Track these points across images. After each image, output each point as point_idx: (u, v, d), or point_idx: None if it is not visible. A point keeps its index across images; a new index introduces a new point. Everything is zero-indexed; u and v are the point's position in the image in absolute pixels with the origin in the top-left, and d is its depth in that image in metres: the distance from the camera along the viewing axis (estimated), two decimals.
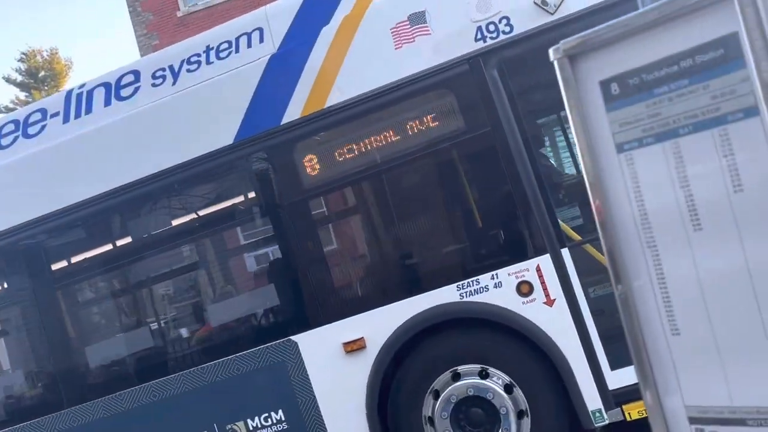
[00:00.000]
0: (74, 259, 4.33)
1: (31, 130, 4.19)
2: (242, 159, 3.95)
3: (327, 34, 3.79)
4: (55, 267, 4.31)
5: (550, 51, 1.47)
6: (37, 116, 4.21)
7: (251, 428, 3.79)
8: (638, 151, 1.33)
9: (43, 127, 4.15)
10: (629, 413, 3.43)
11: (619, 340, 3.24)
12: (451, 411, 3.58)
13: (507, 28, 3.54)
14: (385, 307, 3.67)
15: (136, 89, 4.03)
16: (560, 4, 3.46)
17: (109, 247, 4.27)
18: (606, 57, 1.34)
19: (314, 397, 3.72)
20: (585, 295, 3.50)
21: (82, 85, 4.15)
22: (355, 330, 3.66)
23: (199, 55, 3.98)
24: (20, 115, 4.41)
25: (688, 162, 1.26)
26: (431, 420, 3.60)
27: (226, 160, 3.95)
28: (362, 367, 3.64)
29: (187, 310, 4.38)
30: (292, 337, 3.77)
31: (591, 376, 3.46)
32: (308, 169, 3.79)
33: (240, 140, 3.84)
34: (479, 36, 3.57)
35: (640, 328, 1.38)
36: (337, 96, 3.74)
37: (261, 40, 3.91)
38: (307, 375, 3.73)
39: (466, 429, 3.60)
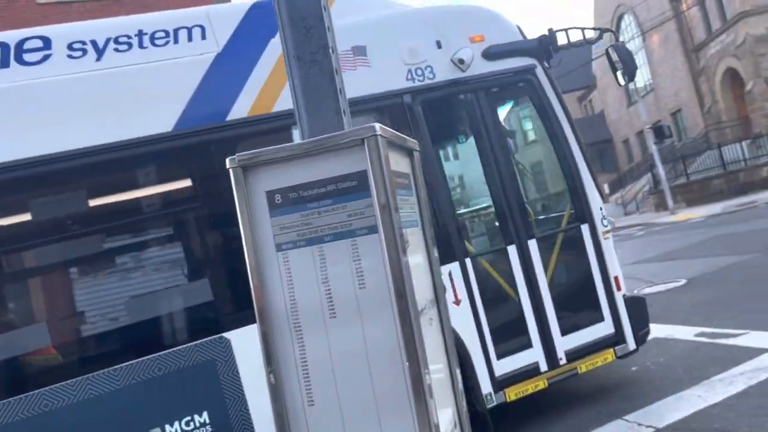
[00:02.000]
0: None
1: None
2: (179, 148, 3.88)
3: (275, 48, 4.03)
4: None
5: (227, 160, 1.76)
6: None
7: None
8: (293, 251, 1.68)
9: None
10: (509, 395, 4.28)
11: (502, 335, 4.24)
12: None
13: (431, 75, 4.45)
14: None
15: (46, 57, 3.76)
16: (470, 65, 4.51)
17: None
18: (273, 172, 1.69)
19: (244, 395, 3.65)
20: (480, 298, 4.28)
21: None
22: None
23: (129, 36, 3.93)
24: None
25: (329, 263, 1.63)
26: None
27: (161, 148, 3.83)
28: None
29: (103, 304, 3.95)
30: (225, 335, 3.70)
31: (484, 364, 4.24)
32: None
33: (180, 129, 3.84)
34: (409, 76, 4.41)
35: (284, 400, 1.67)
36: (282, 105, 3.97)
37: (203, 38, 4.05)
38: (238, 373, 3.67)
39: None
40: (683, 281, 8.38)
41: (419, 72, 4.45)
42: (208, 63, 3.98)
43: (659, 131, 20.46)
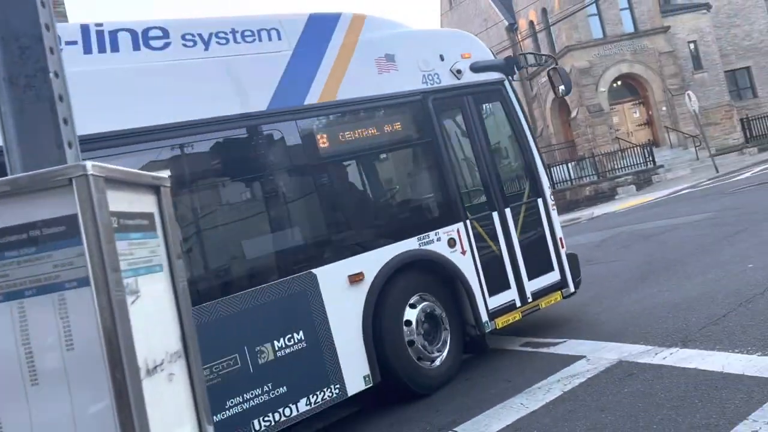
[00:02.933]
0: None
1: None
2: (272, 124, 4.97)
3: (332, 50, 5.36)
4: None
5: None
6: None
7: (276, 348, 4.49)
8: None
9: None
10: (498, 323, 5.66)
11: (491, 279, 5.78)
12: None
13: (438, 80, 5.83)
14: (376, 250, 5.16)
15: (167, 44, 4.62)
16: (463, 75, 5.97)
17: None
18: None
19: (327, 319, 4.77)
20: (477, 251, 5.71)
21: (100, 24, 4.41)
22: (356, 266, 5.01)
23: (226, 33, 4.93)
24: None
25: (30, 321, 1.40)
26: (408, 322, 5.26)
27: (256, 123, 4.90)
28: (361, 293, 4.98)
29: (223, 245, 4.88)
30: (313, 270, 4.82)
31: (482, 300, 5.63)
32: (322, 142, 5.20)
33: (272, 109, 4.92)
34: (423, 80, 5.75)
35: None
36: (342, 95, 5.28)
37: (279, 38, 5.14)
38: (323, 301, 4.78)
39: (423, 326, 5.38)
40: None
41: (430, 77, 5.82)
42: (286, 58, 5.09)
43: None
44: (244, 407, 4.28)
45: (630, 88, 28.93)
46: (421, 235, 5.42)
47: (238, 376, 4.28)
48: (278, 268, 4.77)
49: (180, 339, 1.62)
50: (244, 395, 4.30)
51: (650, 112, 28.77)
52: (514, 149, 6.66)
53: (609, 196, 24.30)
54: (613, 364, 4.74)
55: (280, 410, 4.42)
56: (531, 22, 30.70)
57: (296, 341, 4.58)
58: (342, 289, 4.91)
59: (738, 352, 4.26)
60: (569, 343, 5.62)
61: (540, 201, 6.34)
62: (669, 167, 25.35)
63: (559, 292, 6.25)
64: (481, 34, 36.14)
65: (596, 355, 5.02)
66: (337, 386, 4.70)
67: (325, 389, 4.63)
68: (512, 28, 32.94)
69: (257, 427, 4.30)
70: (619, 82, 28.43)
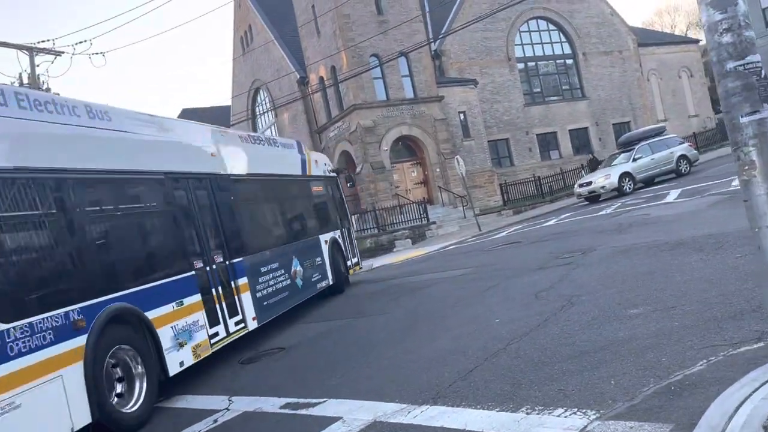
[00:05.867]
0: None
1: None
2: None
3: None
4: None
5: None
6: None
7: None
8: None
9: None
10: (351, 272, 15.31)
11: (349, 256, 15.79)
12: None
13: (324, 172, 14.94)
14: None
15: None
16: (327, 171, 15.17)
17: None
18: None
19: (324, 256, 13.38)
20: (347, 244, 15.67)
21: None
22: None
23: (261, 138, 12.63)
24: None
25: None
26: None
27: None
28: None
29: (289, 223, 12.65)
30: (318, 236, 13.61)
31: (348, 261, 15.28)
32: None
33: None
34: (321, 172, 14.83)
35: None
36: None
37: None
38: (322, 249, 13.55)
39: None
40: (285, 348, 8.66)
41: (324, 171, 14.82)
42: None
43: None
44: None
45: (409, 149, 31.11)
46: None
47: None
48: (305, 233, 12.69)
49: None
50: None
51: (426, 173, 31.14)
52: (341, 212, 15.55)
53: (388, 248, 25.49)
54: (368, 424, 4.65)
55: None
56: (321, 78, 31.72)
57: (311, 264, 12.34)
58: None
59: (480, 408, 4.42)
60: (329, 403, 5.45)
61: (339, 232, 14.84)
62: (440, 224, 27.46)
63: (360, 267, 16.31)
64: (273, 83, 36.42)
65: (352, 416, 4.91)
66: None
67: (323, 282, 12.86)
68: (303, 81, 33.72)
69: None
70: (400, 143, 30.41)
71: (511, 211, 29.59)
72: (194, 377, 8.00)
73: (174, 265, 7.62)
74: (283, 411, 5.60)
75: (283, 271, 10.81)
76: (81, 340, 5.70)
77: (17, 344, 5.06)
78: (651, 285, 6.91)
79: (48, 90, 25.65)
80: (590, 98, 40.61)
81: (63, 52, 25.85)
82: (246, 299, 9.17)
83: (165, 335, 7.00)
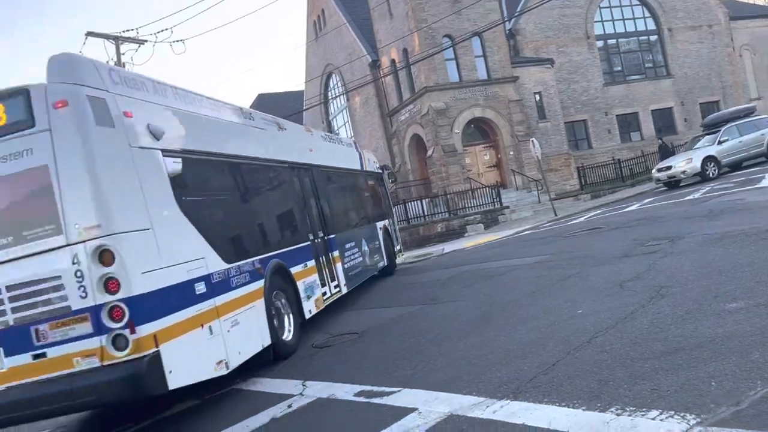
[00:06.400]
0: None
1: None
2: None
3: None
4: None
5: None
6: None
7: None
8: None
9: None
10: (399, 256, 18.23)
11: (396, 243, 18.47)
12: None
13: (374, 168, 17.23)
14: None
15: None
16: (376, 167, 17.56)
17: None
18: None
19: (380, 241, 15.59)
20: (396, 233, 18.72)
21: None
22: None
23: (333, 137, 14.77)
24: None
25: None
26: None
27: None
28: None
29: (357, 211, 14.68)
30: (375, 223, 15.82)
31: (397, 246, 18.50)
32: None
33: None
34: (374, 168, 17.30)
35: None
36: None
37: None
38: (379, 235, 15.81)
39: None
40: (358, 333, 8.62)
41: (374, 167, 16.86)
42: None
43: None
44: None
45: (482, 131, 30.49)
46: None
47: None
48: (367, 219, 14.62)
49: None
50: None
51: (499, 156, 30.45)
52: (385, 203, 17.41)
53: (459, 233, 25.14)
54: (444, 417, 4.48)
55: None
56: (393, 60, 31.49)
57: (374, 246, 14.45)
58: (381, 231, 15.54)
59: (564, 406, 4.16)
60: (403, 392, 5.32)
61: (388, 222, 16.84)
62: (514, 208, 26.82)
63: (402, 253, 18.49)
64: (345, 67, 36.55)
65: (428, 408, 4.75)
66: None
67: (380, 263, 14.88)
68: (375, 65, 33.59)
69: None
70: (472, 125, 29.85)
71: (589, 195, 28.54)
72: (269, 359, 8.08)
73: (300, 235, 9.70)
74: (356, 399, 5.51)
75: (357, 249, 12.80)
76: (261, 283, 7.61)
77: (233, 280, 6.92)
78: (751, 277, 6.36)
79: None
80: (675, 76, 38.45)
81: (146, 41, 26.75)
82: (339, 268, 11.21)
83: (300, 287, 8.99)
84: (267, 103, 42.19)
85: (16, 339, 5.25)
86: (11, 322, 5.28)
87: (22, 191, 5.36)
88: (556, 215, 22.74)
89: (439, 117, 28.44)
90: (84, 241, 5.16)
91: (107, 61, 26.71)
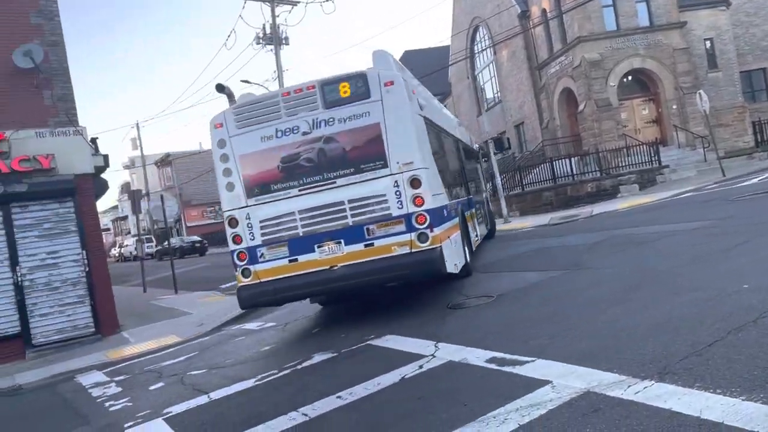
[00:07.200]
0: None
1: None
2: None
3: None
4: None
5: None
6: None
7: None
8: None
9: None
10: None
11: (477, 229, 16.86)
12: None
13: (475, 147, 20.53)
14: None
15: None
16: (478, 144, 21.64)
17: None
18: None
19: (487, 207, 18.70)
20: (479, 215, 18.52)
21: None
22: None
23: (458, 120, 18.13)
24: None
25: None
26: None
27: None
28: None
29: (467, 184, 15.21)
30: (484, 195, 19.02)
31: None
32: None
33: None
34: (475, 146, 20.26)
35: None
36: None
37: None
38: (487, 203, 18.98)
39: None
40: (493, 297, 8.41)
41: (473, 144, 18.66)
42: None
43: (498, 143, 21.25)
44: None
45: (641, 83, 28.13)
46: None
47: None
48: (479, 189, 16.91)
49: None
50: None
51: (660, 110, 27.99)
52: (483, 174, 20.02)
53: (611, 194, 23.64)
54: (579, 394, 4.19)
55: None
56: (544, 10, 29.80)
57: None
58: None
59: (720, 393, 3.70)
60: (537, 363, 5.07)
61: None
62: (675, 168, 24.64)
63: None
64: (492, 19, 35.25)
65: (563, 382, 4.48)
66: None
67: (488, 226, 17.32)
68: (524, 15, 32.03)
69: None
70: (629, 77, 27.63)
71: (766, 153, 25.43)
72: (403, 317, 8.14)
73: (465, 191, 13.19)
74: (488, 365, 5.36)
75: (479, 211, 15.31)
76: (457, 220, 10.15)
77: (452, 212, 9.89)
78: None
79: (286, 38, 27.80)
80: None
81: (299, 2, 27.67)
82: (476, 223, 13.87)
83: (469, 227, 11.80)
84: (413, 58, 42.01)
85: (354, 234, 7.98)
86: (350, 223, 8.02)
87: (361, 139, 8.08)
88: (724, 176, 20.56)
89: (592, 69, 26.61)
90: (401, 173, 7.95)
91: (263, 24, 28.02)
